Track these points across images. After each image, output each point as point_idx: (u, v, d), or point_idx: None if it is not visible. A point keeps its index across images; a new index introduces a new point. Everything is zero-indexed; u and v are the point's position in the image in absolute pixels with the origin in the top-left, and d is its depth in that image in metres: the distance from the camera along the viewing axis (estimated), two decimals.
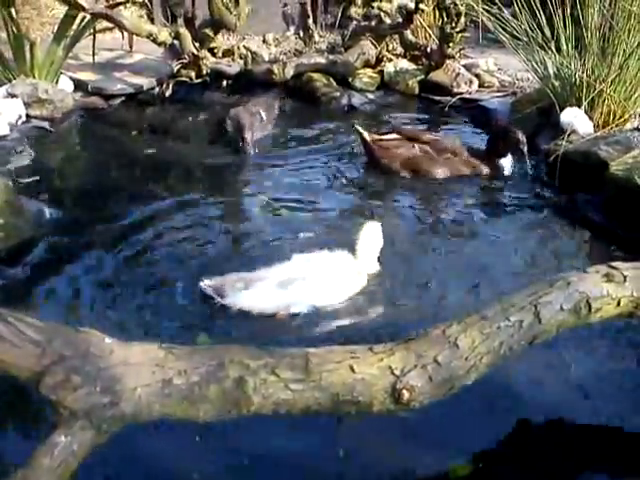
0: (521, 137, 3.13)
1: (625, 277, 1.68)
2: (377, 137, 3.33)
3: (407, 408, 1.43)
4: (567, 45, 3.50)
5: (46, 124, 3.66)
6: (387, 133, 3.39)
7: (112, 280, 2.34)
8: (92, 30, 4.09)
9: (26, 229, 2.53)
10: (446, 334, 1.50)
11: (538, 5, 3.48)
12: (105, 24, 4.18)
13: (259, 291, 2.16)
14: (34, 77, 3.80)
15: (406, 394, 1.41)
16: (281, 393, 1.37)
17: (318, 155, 3.48)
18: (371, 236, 2.36)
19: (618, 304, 1.67)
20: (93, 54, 4.23)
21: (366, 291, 2.30)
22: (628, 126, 3.41)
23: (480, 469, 1.65)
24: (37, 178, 3.15)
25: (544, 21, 3.50)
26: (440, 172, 3.20)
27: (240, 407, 1.38)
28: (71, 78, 4.03)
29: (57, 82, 3.92)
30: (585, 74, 3.38)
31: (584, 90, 3.38)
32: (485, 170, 3.21)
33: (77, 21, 3.91)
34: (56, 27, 3.95)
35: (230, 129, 3.45)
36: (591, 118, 3.38)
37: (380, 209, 2.95)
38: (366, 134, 3.31)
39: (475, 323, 1.53)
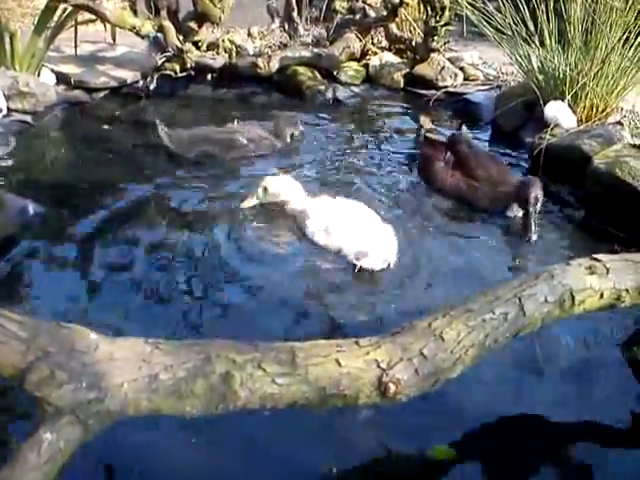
0: (533, 197, 2.65)
1: (607, 269, 1.71)
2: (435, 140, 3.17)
3: (393, 401, 1.44)
4: (550, 39, 3.52)
5: (28, 118, 3.61)
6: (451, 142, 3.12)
7: (97, 275, 2.32)
8: (74, 22, 4.05)
9: (9, 225, 2.50)
10: (432, 327, 1.51)
11: None
12: (87, 16, 4.13)
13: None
14: (15, 69, 3.75)
15: (392, 387, 1.42)
16: (267, 387, 1.37)
17: (305, 147, 3.47)
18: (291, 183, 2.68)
19: (601, 296, 1.70)
20: (75, 46, 4.18)
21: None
22: (610, 120, 3.45)
23: (462, 453, 1.66)
24: (20, 173, 3.11)
25: (528, 15, 3.52)
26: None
27: (227, 402, 1.38)
28: (53, 71, 3.98)
29: (39, 75, 3.87)
30: (568, 68, 3.41)
31: (567, 84, 3.41)
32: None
33: (58, 12, 3.86)
34: (37, 18, 3.90)
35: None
36: (574, 112, 3.41)
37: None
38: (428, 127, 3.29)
39: (460, 316, 1.54)
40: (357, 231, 2.45)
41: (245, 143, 3.31)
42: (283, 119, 3.49)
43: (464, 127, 3.38)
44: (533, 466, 1.68)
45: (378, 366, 1.43)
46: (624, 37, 3.29)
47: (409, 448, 1.68)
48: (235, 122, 3.49)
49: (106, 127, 3.67)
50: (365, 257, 2.35)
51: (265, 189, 2.66)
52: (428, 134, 3.27)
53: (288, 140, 3.43)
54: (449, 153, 3.09)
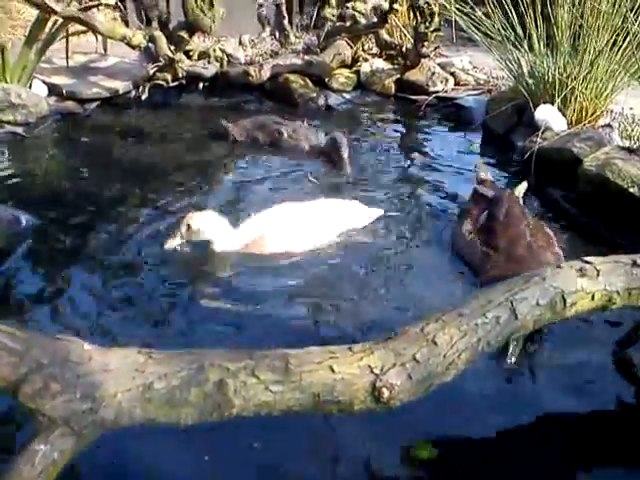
0: None
1: (598, 271, 1.72)
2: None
3: (387, 406, 1.44)
4: (539, 44, 3.55)
5: (20, 129, 3.61)
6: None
7: (90, 287, 2.32)
8: (65, 33, 4.06)
9: (1, 237, 2.50)
10: (424, 332, 1.51)
11: (510, 4, 3.53)
12: (79, 27, 4.14)
13: None
14: (6, 82, 3.75)
15: (386, 392, 1.42)
16: (262, 395, 1.37)
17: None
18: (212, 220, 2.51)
19: (592, 298, 1.70)
20: (67, 58, 4.19)
21: None
22: (600, 122, 3.48)
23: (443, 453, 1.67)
24: (12, 184, 3.10)
25: (516, 20, 3.55)
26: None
27: (221, 410, 1.38)
28: (45, 82, 3.99)
29: (30, 86, 3.87)
30: (557, 72, 3.44)
31: (557, 87, 3.44)
32: None
33: (49, 24, 3.87)
34: (28, 30, 3.91)
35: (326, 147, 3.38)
36: (564, 115, 3.44)
37: None
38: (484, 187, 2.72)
39: (453, 320, 1.55)
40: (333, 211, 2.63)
41: (285, 136, 3.45)
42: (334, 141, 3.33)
43: (523, 184, 2.82)
44: (516, 466, 1.69)
45: (372, 372, 1.43)
46: (612, 41, 3.32)
47: (391, 446, 1.69)
48: (304, 122, 3.63)
49: (99, 137, 3.68)
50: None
51: (189, 227, 2.45)
52: (478, 186, 2.79)
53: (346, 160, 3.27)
54: (485, 212, 2.57)
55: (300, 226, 2.55)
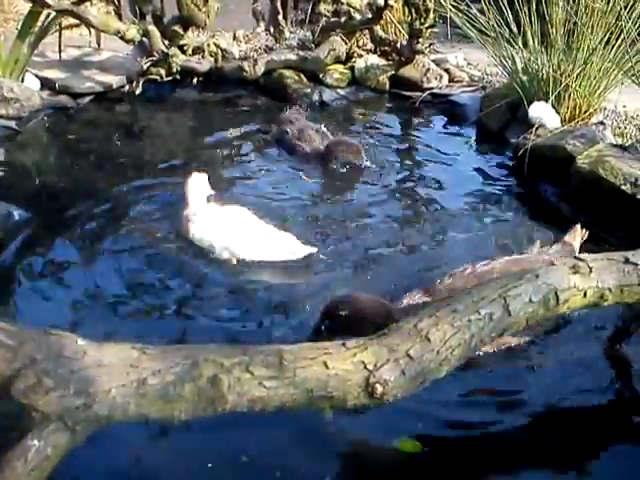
0: None
1: (591, 269, 1.73)
2: None
3: (381, 402, 1.45)
4: (533, 41, 3.56)
5: (12, 123, 3.59)
6: None
7: (83, 282, 2.32)
8: (58, 27, 4.03)
9: None
10: (418, 328, 1.52)
11: (505, 1, 3.54)
12: (72, 20, 4.11)
13: None
14: None
15: (379, 388, 1.43)
16: (255, 390, 1.38)
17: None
18: (198, 186, 2.63)
19: (584, 295, 1.71)
20: (60, 51, 4.16)
21: None
22: (593, 120, 3.50)
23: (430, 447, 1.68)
24: (3, 179, 3.09)
25: (511, 17, 3.55)
26: None
27: (215, 405, 1.39)
28: (37, 76, 3.95)
29: (23, 80, 3.84)
30: (551, 69, 3.45)
31: (551, 85, 3.45)
32: None
33: (42, 17, 3.84)
34: (20, 23, 3.88)
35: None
36: (558, 112, 3.45)
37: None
38: None
39: (446, 316, 1.56)
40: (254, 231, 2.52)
41: (290, 135, 3.41)
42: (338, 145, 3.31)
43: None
44: (503, 460, 1.71)
45: (365, 367, 1.44)
46: (605, 39, 3.33)
47: (376, 441, 1.69)
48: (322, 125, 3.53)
49: (90, 132, 3.66)
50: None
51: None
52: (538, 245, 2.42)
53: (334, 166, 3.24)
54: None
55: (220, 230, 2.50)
